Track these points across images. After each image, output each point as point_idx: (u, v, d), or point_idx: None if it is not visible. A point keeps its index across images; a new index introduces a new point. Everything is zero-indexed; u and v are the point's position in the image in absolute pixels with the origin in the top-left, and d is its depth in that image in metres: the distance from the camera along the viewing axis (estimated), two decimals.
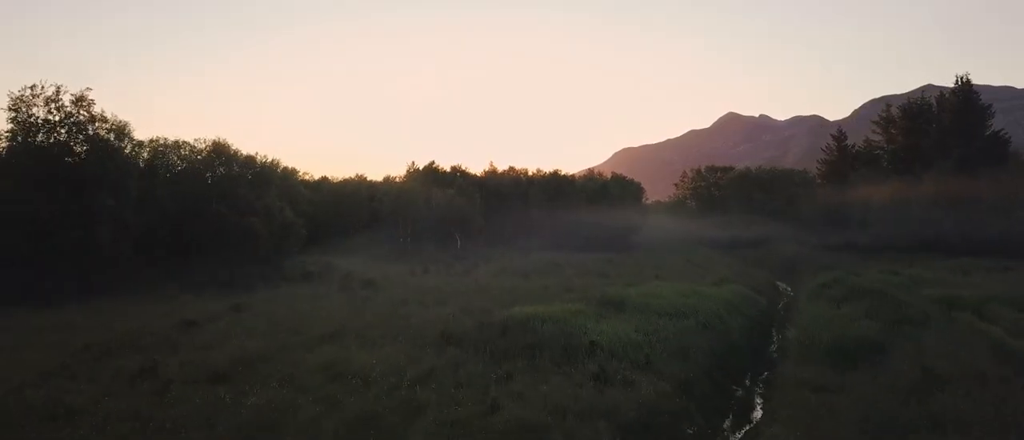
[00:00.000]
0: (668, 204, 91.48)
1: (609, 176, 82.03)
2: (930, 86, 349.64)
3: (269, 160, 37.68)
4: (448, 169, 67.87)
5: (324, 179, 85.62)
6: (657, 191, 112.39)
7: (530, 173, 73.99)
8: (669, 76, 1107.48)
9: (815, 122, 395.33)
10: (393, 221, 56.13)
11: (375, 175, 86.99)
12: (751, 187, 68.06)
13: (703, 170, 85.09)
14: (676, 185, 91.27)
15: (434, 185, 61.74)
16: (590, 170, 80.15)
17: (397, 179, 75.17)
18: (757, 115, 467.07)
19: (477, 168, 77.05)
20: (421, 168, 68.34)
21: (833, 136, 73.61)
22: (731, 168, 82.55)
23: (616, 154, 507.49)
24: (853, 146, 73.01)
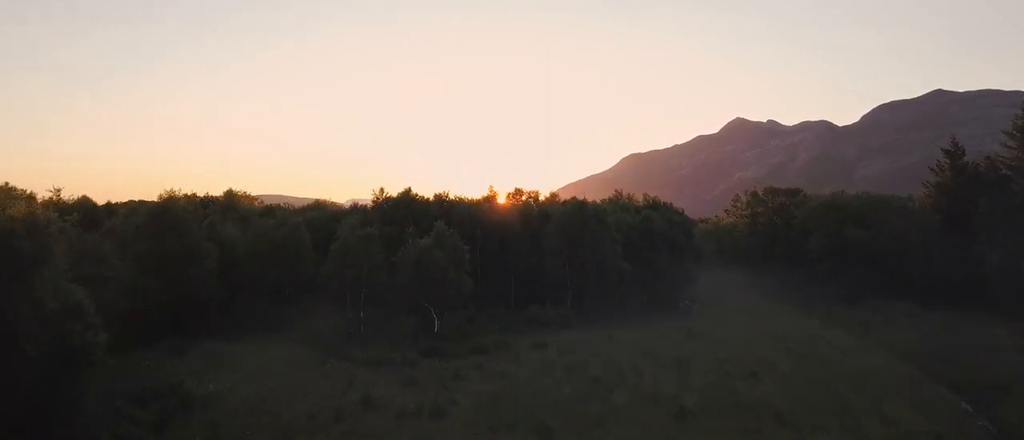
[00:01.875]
0: (709, 231, 73.02)
1: (641, 199, 63.98)
2: (940, 91, 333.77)
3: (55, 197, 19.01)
4: (430, 198, 49.16)
5: (276, 207, 67.13)
6: (665, 198, 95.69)
7: (542, 198, 55.72)
8: (677, 81, 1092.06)
9: (823, 127, 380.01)
10: (343, 279, 37.79)
11: (342, 198, 68.92)
12: (839, 219, 49.48)
13: (762, 193, 66.46)
14: (726, 211, 72.90)
15: (411, 220, 43.64)
16: (617, 192, 62.08)
17: (368, 206, 56.89)
18: (765, 120, 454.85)
19: (474, 191, 59.14)
20: (395, 196, 49.75)
21: (945, 152, 54.92)
22: (799, 191, 63.87)
23: (623, 160, 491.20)
24: (971, 164, 54.38)
